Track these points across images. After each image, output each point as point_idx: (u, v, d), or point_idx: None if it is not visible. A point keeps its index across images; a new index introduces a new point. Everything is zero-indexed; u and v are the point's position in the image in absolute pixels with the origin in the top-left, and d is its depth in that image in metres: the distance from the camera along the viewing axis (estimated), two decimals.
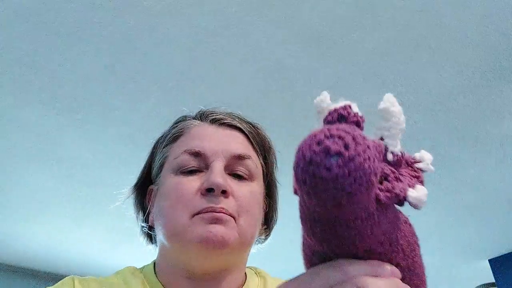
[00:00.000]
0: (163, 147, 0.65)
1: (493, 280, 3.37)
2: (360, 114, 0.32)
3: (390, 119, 0.33)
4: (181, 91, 1.82)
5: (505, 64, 1.73)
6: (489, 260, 3.41)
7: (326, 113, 0.33)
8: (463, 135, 2.12)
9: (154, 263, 0.64)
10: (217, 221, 0.53)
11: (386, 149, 0.33)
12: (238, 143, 0.62)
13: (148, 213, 0.65)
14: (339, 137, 0.27)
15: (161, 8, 1.47)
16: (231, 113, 0.67)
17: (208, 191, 0.55)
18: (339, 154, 0.27)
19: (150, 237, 0.68)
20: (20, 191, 2.46)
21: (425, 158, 0.36)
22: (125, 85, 1.78)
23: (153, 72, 1.73)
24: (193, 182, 0.57)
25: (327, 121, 0.32)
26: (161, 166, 0.64)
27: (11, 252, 3.19)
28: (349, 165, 0.26)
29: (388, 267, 0.32)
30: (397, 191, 0.31)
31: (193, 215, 0.54)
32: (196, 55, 1.66)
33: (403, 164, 0.35)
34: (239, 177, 0.59)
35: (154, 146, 0.70)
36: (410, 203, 0.32)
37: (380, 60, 1.70)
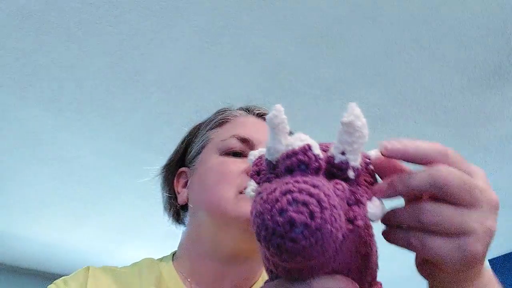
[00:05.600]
0: (207, 131, 0.67)
1: None
2: (320, 156, 0.29)
3: (354, 134, 0.30)
4: (181, 91, 1.82)
5: (505, 64, 1.73)
6: (489, 260, 3.41)
7: (283, 150, 0.30)
8: (463, 135, 2.12)
9: (173, 255, 0.65)
10: None
11: (347, 166, 0.31)
12: None
13: (176, 194, 0.67)
14: (303, 204, 0.25)
15: (161, 8, 1.47)
16: None
17: None
18: (305, 225, 0.25)
19: (178, 216, 0.69)
20: (20, 191, 2.46)
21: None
22: (125, 85, 1.78)
23: (153, 72, 1.73)
24: (239, 163, 0.59)
25: (286, 165, 0.29)
26: (202, 148, 0.65)
27: (11, 252, 3.19)
28: (316, 235, 0.25)
29: (346, 281, 0.32)
30: (359, 222, 0.30)
31: (240, 193, 0.56)
32: (196, 55, 1.66)
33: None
34: None
35: (194, 129, 0.71)
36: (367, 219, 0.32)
37: (380, 60, 1.70)
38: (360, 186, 0.32)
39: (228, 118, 0.67)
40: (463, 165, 0.32)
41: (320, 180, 0.28)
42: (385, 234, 0.34)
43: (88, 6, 1.45)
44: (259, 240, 0.27)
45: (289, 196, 0.26)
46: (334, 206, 0.26)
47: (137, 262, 0.65)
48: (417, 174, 0.31)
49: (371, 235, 0.36)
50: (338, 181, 0.30)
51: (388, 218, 0.33)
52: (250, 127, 0.64)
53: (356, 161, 0.31)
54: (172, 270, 0.61)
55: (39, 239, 3.01)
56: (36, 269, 3.47)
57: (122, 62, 1.68)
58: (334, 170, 0.31)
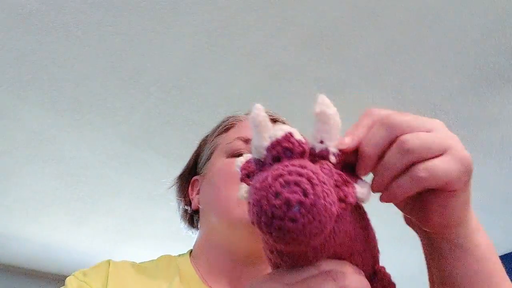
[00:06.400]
0: (214, 138, 0.69)
1: None
2: (302, 140, 0.31)
3: (328, 122, 0.33)
4: (181, 91, 1.82)
5: (505, 64, 1.73)
6: None
7: (268, 143, 0.31)
8: (463, 135, 2.12)
9: (190, 252, 0.66)
10: None
11: (328, 152, 0.33)
12: None
13: (190, 201, 0.70)
14: (295, 183, 0.27)
15: (161, 8, 1.47)
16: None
17: None
18: (300, 203, 0.26)
19: (192, 222, 0.72)
20: (20, 191, 2.46)
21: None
22: (125, 85, 1.78)
23: (153, 72, 1.73)
24: None
25: (273, 156, 0.31)
26: (211, 154, 0.67)
27: (11, 252, 3.19)
28: (312, 211, 0.27)
29: (352, 266, 0.34)
30: (350, 199, 0.31)
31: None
32: (196, 55, 1.66)
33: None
34: None
35: (202, 140, 0.74)
36: (358, 200, 0.33)
37: (380, 60, 1.70)
38: (343, 170, 0.34)
39: (233, 123, 0.69)
40: (418, 127, 0.34)
41: (307, 162, 0.30)
42: (389, 194, 0.34)
43: (88, 6, 1.45)
44: (260, 229, 0.28)
45: (281, 180, 0.27)
46: (324, 182, 0.28)
47: (155, 259, 0.65)
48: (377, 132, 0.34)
49: (366, 218, 0.37)
50: (323, 161, 0.32)
51: (380, 180, 0.34)
52: None
53: (335, 147, 0.34)
54: (190, 266, 0.62)
55: (39, 239, 3.01)
56: (35, 269, 3.47)
57: (122, 62, 1.68)
58: (317, 158, 0.33)
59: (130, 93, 1.82)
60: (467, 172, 0.36)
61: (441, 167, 0.33)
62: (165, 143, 2.07)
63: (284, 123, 0.70)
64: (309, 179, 0.27)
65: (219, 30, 1.56)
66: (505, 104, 1.93)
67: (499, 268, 0.39)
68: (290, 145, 0.30)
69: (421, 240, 0.41)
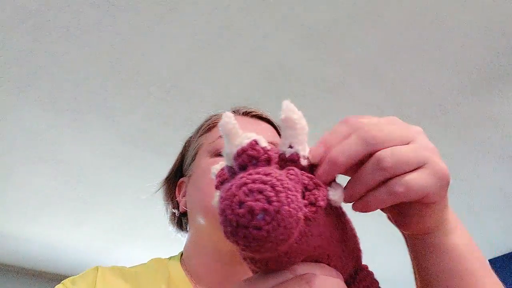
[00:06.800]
0: (198, 138, 0.69)
1: None
2: (268, 147, 0.31)
3: (295, 127, 0.33)
4: (181, 91, 1.82)
5: (505, 64, 1.73)
6: (489, 260, 3.42)
7: (235, 151, 0.32)
8: (463, 135, 2.12)
9: (181, 254, 0.66)
10: None
11: (298, 156, 0.33)
12: (268, 132, 0.66)
13: (178, 204, 0.69)
14: (259, 191, 0.27)
15: (161, 8, 1.47)
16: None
17: None
18: (264, 211, 0.27)
19: (181, 224, 0.71)
20: (20, 191, 2.46)
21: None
22: (125, 85, 1.78)
23: (152, 72, 1.73)
24: None
25: (239, 164, 0.31)
26: (195, 154, 0.67)
27: (11, 252, 3.19)
28: (277, 218, 0.27)
29: (329, 269, 0.34)
30: (321, 203, 0.31)
31: None
32: (196, 55, 1.66)
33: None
34: None
35: (187, 141, 0.73)
36: (331, 203, 0.33)
37: (379, 60, 1.70)
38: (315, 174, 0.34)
39: (216, 122, 0.68)
40: (395, 140, 0.34)
41: (272, 169, 0.30)
42: (364, 205, 0.34)
43: (87, 6, 1.45)
44: (227, 238, 0.28)
45: (244, 188, 0.27)
46: (288, 189, 0.28)
47: (146, 262, 0.65)
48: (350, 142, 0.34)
49: (344, 219, 0.37)
50: (289, 167, 0.32)
51: (353, 192, 0.34)
52: None
53: (305, 151, 0.34)
54: (180, 270, 0.62)
55: (38, 239, 3.01)
56: (36, 269, 3.47)
57: (121, 62, 1.68)
58: (288, 163, 0.33)
59: (130, 93, 1.82)
60: (444, 186, 0.35)
61: (418, 182, 0.33)
62: (165, 143, 2.07)
63: (270, 121, 0.69)
64: (272, 186, 0.27)
65: (219, 30, 1.56)
66: (505, 104, 1.93)
67: (479, 267, 0.39)
68: (255, 152, 0.31)
69: (404, 239, 0.43)
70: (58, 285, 0.57)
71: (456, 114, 1.99)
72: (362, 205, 0.34)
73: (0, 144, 2.08)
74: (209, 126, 0.68)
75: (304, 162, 0.33)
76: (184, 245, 0.67)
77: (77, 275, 0.59)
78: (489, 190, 2.54)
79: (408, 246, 0.42)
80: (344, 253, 0.36)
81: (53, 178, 2.35)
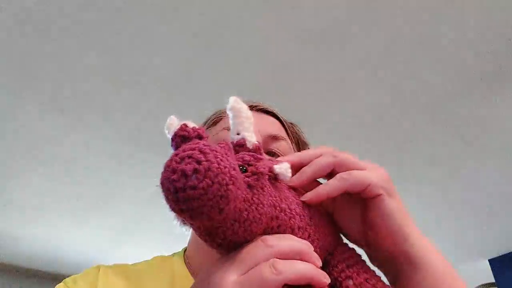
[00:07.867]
0: None
1: (493, 280, 3.38)
2: (196, 127, 0.34)
3: (240, 115, 0.38)
4: (181, 91, 1.83)
5: (505, 65, 1.73)
6: (489, 260, 3.41)
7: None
8: (463, 135, 2.12)
9: (184, 251, 0.66)
10: None
11: (244, 140, 0.38)
12: (274, 126, 0.66)
13: None
14: (188, 157, 0.30)
15: (161, 8, 1.47)
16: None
17: None
18: (195, 170, 0.29)
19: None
20: (20, 191, 2.46)
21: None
22: (125, 85, 1.78)
23: (152, 72, 1.73)
24: None
25: (175, 146, 0.34)
26: None
27: (11, 252, 3.19)
28: (208, 174, 0.29)
29: (295, 238, 0.37)
30: (261, 169, 0.35)
31: None
32: (196, 55, 1.66)
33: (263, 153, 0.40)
34: (273, 155, 0.61)
35: None
36: (279, 176, 0.37)
37: (380, 60, 1.70)
38: (264, 157, 0.38)
39: (220, 116, 0.69)
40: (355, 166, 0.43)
41: (200, 141, 0.33)
42: (314, 194, 0.41)
43: (87, 6, 1.45)
44: (173, 210, 0.30)
45: (176, 157, 0.30)
46: (216, 151, 0.31)
47: (149, 259, 0.65)
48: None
49: (297, 196, 0.41)
50: (220, 142, 0.35)
51: (303, 171, 0.42)
52: None
53: (252, 138, 0.38)
54: (184, 267, 0.62)
55: (39, 239, 3.01)
56: (36, 269, 3.47)
57: (121, 62, 1.68)
58: (237, 148, 0.37)
59: (130, 93, 1.82)
60: (385, 181, 0.42)
61: (360, 173, 0.41)
62: (165, 143, 2.06)
63: (271, 112, 0.70)
64: (200, 150, 0.30)
65: (218, 30, 1.56)
66: (505, 104, 1.93)
67: (449, 280, 0.41)
68: (185, 132, 0.34)
69: (384, 273, 0.45)
70: (59, 284, 0.57)
71: (456, 115, 1.99)
72: (312, 194, 0.41)
73: (0, 144, 2.08)
74: (214, 120, 0.69)
75: (249, 145, 0.38)
76: (189, 238, 0.67)
77: (78, 274, 0.59)
78: (489, 190, 2.54)
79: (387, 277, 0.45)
80: (314, 228, 0.39)
81: (53, 178, 2.35)
